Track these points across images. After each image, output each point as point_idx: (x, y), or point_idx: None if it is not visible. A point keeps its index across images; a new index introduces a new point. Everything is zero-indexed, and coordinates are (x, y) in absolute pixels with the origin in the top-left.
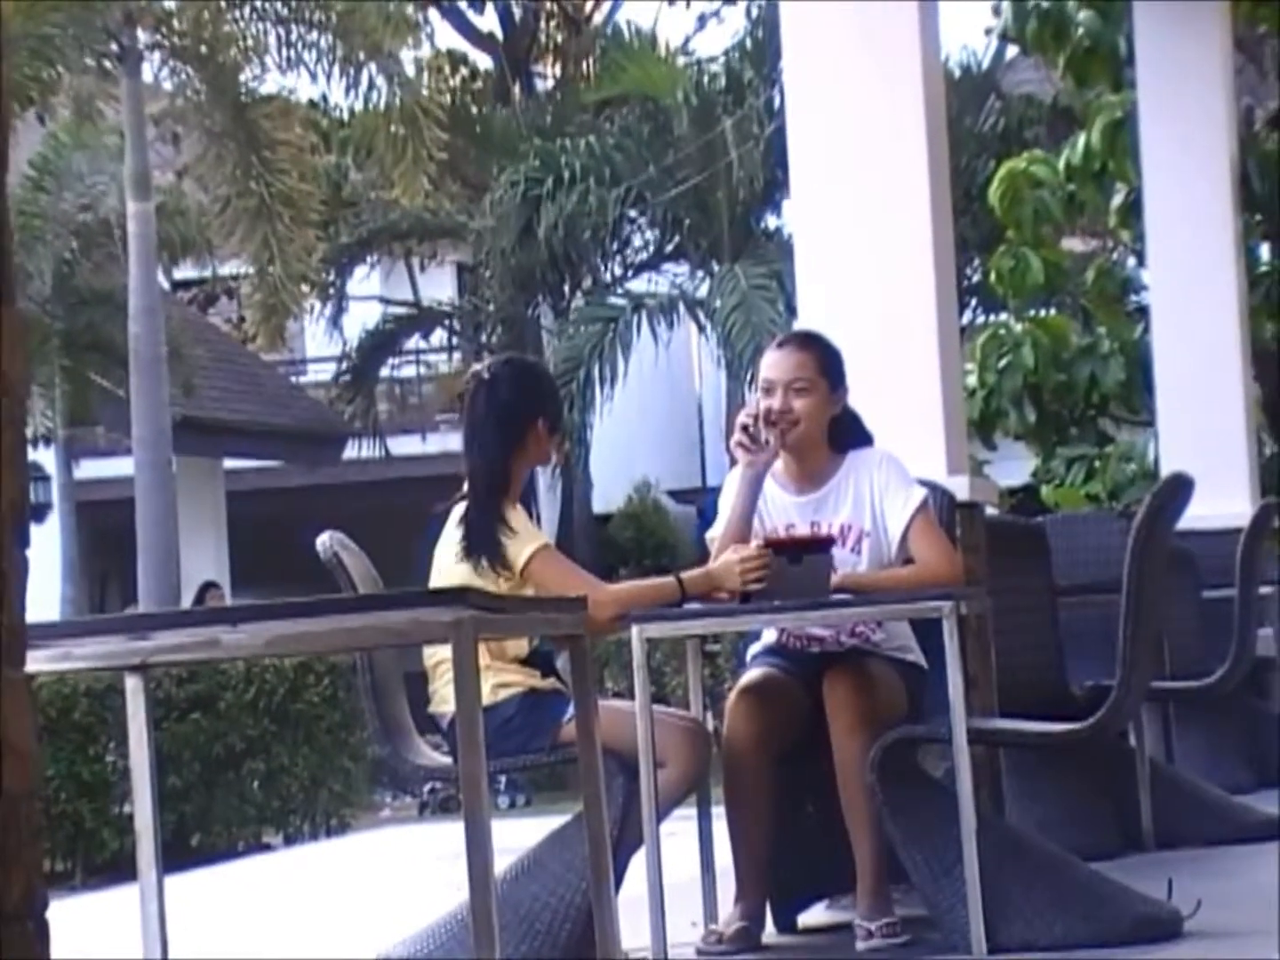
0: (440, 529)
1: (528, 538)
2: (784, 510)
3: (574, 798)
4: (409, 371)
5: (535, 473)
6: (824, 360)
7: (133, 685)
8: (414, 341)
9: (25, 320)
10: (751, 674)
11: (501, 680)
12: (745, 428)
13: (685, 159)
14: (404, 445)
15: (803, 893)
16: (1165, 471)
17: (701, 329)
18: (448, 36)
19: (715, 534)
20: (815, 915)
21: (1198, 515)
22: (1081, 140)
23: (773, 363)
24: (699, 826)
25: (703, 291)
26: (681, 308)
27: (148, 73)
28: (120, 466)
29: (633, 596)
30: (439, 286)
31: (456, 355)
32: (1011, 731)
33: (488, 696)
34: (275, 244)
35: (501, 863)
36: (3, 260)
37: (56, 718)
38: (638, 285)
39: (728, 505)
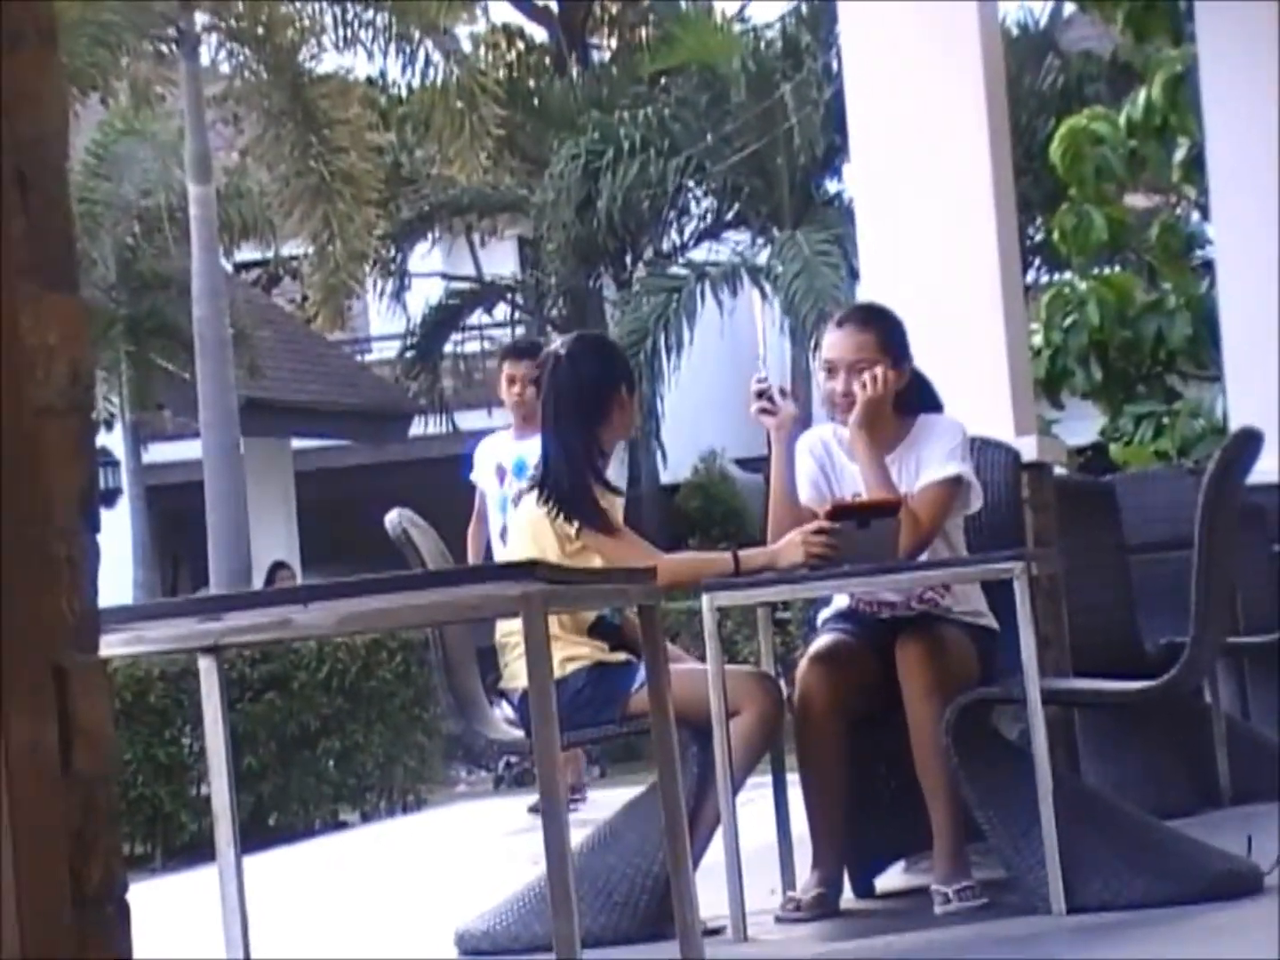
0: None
1: (596, 500)
2: (851, 478)
3: (649, 768)
4: (473, 347)
5: None
6: (886, 337)
7: (206, 666)
8: (477, 316)
9: (89, 307)
10: (823, 640)
11: (569, 653)
12: (760, 394)
13: (744, 126)
14: (470, 420)
15: (880, 857)
16: (1234, 426)
17: (765, 296)
18: (503, 11)
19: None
20: (893, 879)
21: (1268, 469)
22: (1142, 95)
23: (834, 343)
24: (774, 794)
25: (763, 259)
26: (744, 275)
27: (205, 56)
28: (188, 450)
29: (685, 569)
30: (501, 261)
31: (520, 329)
32: (1086, 691)
33: (557, 670)
34: (335, 223)
35: (578, 835)
36: (66, 247)
37: (132, 701)
38: (698, 254)
39: (803, 474)
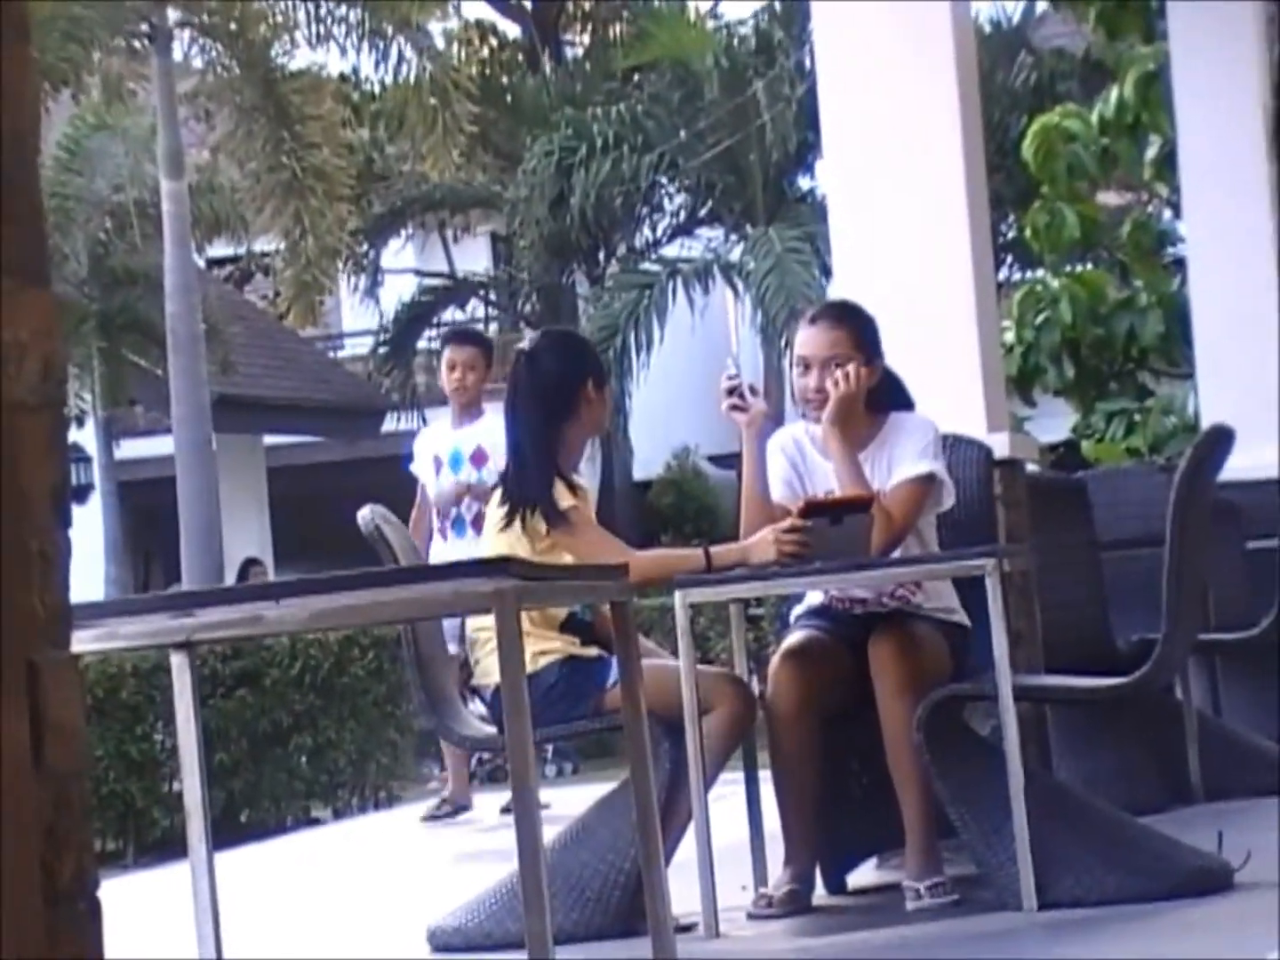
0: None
1: (559, 498)
2: (824, 476)
3: (621, 765)
4: None
5: None
6: (859, 334)
7: (178, 663)
8: (450, 313)
9: (61, 302)
10: (795, 636)
11: (542, 648)
12: (730, 391)
13: (717, 123)
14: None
15: (852, 853)
16: (1206, 423)
17: (736, 293)
18: (476, 7)
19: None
20: (865, 875)
21: (1239, 466)
22: (1114, 93)
23: (807, 340)
24: (746, 790)
25: (736, 255)
26: (716, 272)
27: (177, 51)
28: (160, 445)
29: (656, 565)
30: (474, 257)
31: (493, 326)
32: (1058, 687)
33: (529, 664)
34: (307, 219)
35: (550, 831)
36: (37, 242)
37: (104, 697)
38: (671, 250)
39: (775, 472)
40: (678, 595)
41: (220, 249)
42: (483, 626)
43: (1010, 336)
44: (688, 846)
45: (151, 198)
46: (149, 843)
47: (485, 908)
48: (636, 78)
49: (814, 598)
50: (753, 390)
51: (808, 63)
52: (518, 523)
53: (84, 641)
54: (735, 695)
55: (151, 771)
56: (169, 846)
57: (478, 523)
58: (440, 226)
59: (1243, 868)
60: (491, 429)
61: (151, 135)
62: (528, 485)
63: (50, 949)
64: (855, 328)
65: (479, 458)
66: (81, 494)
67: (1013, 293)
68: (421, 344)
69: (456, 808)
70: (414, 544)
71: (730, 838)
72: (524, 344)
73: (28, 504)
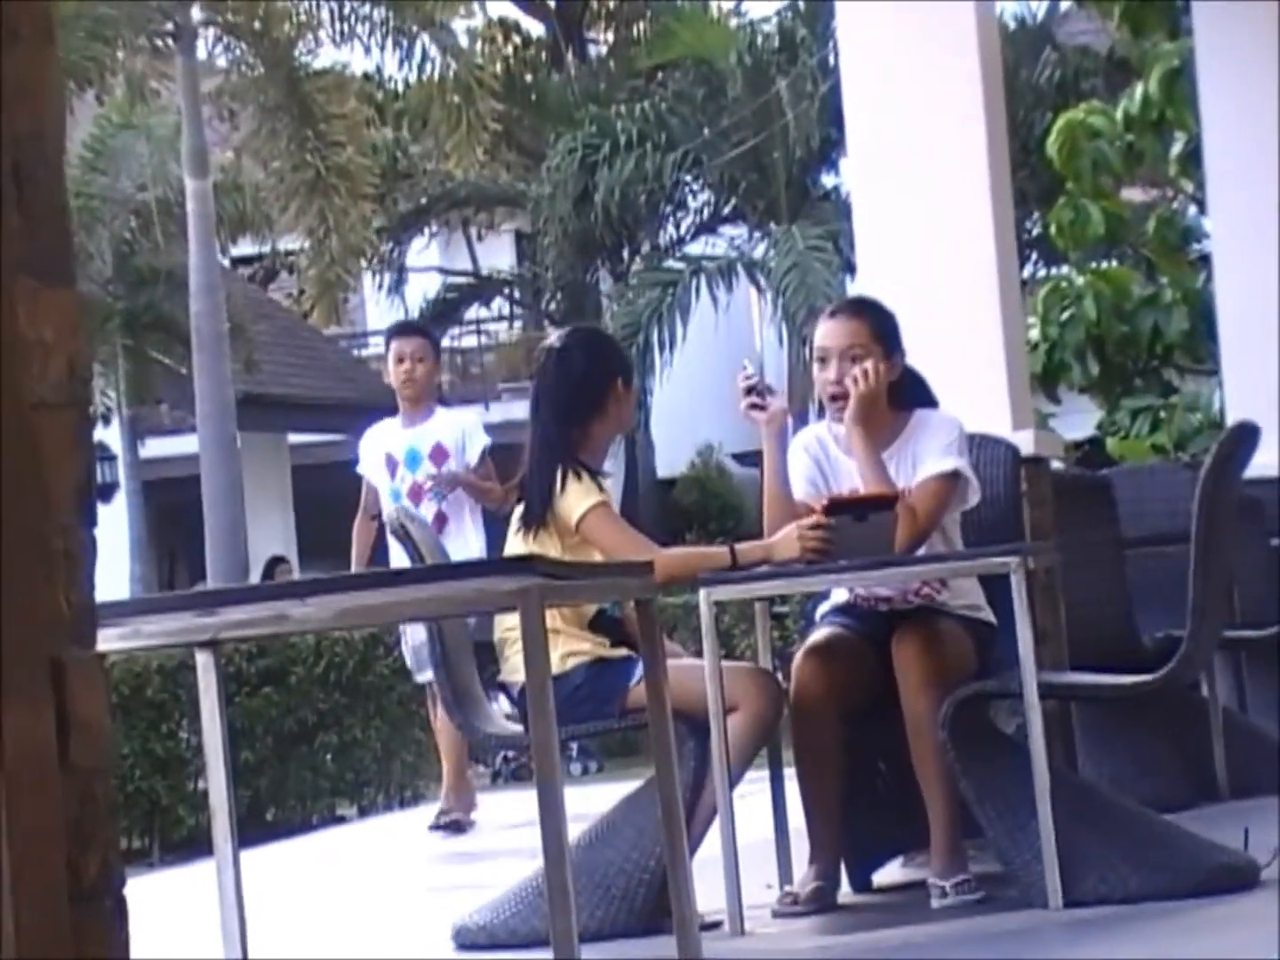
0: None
1: (586, 494)
2: (848, 474)
3: (645, 763)
4: (470, 341)
5: None
6: (878, 327)
7: (204, 661)
8: (474, 311)
9: (86, 301)
10: (819, 633)
11: (571, 649)
12: (748, 390)
13: (740, 121)
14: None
15: (877, 851)
16: (1231, 420)
17: (760, 290)
18: (500, 5)
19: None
20: (890, 873)
21: (1265, 463)
22: (1139, 90)
23: (827, 332)
24: (771, 788)
25: (760, 253)
26: (740, 270)
27: (201, 50)
28: (185, 444)
29: (681, 563)
30: (498, 255)
31: (517, 324)
32: (1083, 685)
33: (557, 665)
34: (331, 217)
35: (575, 829)
36: (62, 242)
37: (129, 696)
38: (695, 248)
39: (799, 471)
40: (702, 593)
41: (244, 248)
42: (513, 624)
43: (1035, 333)
44: (712, 844)
45: (176, 197)
46: (174, 840)
47: (510, 906)
48: (660, 75)
49: (839, 595)
50: (770, 389)
51: (831, 60)
52: (546, 521)
53: (109, 640)
54: (761, 694)
55: (177, 769)
56: (194, 844)
57: (438, 521)
58: (464, 224)
59: (1269, 865)
60: (448, 424)
61: (176, 134)
62: (535, 487)
63: (76, 947)
64: (873, 320)
65: (439, 454)
66: (106, 492)
67: (1037, 289)
68: (446, 342)
69: (465, 824)
70: (440, 542)
71: (755, 835)
72: (552, 341)
73: (52, 502)
